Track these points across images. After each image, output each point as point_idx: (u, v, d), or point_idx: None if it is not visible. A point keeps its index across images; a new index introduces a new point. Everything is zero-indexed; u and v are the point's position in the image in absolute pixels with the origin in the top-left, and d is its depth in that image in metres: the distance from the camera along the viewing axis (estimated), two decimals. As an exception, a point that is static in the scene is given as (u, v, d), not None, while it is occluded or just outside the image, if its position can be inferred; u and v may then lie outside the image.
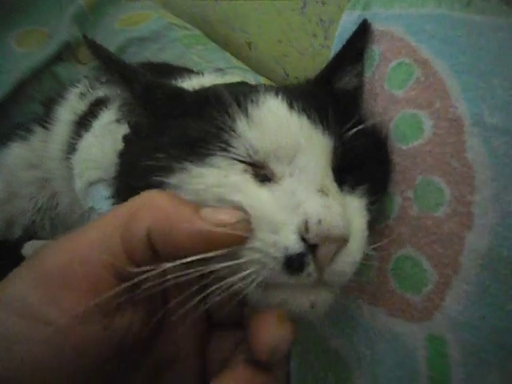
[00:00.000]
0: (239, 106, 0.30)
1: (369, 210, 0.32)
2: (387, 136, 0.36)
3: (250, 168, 0.29)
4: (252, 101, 0.31)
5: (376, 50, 0.39)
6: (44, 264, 0.24)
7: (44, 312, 0.22)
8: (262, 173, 0.29)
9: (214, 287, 0.25)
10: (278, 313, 0.25)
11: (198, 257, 0.24)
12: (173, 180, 0.29)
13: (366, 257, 0.30)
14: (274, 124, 0.30)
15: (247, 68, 0.98)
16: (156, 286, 0.24)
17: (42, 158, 0.78)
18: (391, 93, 0.36)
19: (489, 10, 0.35)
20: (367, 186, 0.32)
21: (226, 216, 0.24)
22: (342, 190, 0.31)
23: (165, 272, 0.25)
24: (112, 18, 1.04)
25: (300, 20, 0.90)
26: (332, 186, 0.29)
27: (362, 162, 0.33)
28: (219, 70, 0.77)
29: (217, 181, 0.28)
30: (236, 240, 0.25)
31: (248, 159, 0.29)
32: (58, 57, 0.92)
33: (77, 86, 0.82)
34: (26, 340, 0.22)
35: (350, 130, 0.31)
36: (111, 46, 0.98)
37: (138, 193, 0.26)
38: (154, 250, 0.24)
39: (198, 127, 0.31)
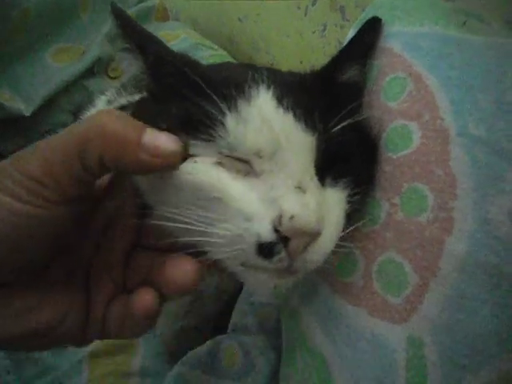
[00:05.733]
0: (231, 99, 0.31)
1: (350, 202, 0.33)
2: (375, 133, 0.37)
3: (227, 160, 0.30)
4: (244, 95, 0.31)
5: (376, 64, 0.40)
6: (27, 164, 0.30)
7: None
8: (240, 167, 0.30)
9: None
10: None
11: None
12: None
13: (339, 246, 0.31)
14: (258, 122, 0.30)
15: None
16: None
17: None
18: (386, 104, 0.37)
19: (483, 31, 0.37)
20: (351, 178, 0.33)
21: (165, 143, 0.28)
22: (324, 182, 0.32)
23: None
24: None
25: (321, 42, 0.93)
26: (311, 181, 0.30)
27: (347, 155, 0.34)
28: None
29: (190, 167, 0.29)
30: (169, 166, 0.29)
31: (229, 154, 0.30)
32: (91, 71, 0.96)
33: (105, 95, 0.85)
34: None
35: (337, 124, 0.32)
36: None
37: None
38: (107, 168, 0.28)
39: (196, 110, 0.31)
